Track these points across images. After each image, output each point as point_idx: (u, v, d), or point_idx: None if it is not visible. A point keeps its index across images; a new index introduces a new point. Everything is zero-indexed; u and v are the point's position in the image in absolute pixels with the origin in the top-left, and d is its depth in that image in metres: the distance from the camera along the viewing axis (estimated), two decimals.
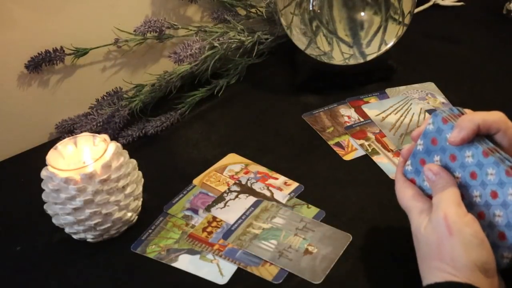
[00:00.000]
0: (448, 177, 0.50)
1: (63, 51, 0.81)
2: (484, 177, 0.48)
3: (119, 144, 0.63)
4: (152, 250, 0.63)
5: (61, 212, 0.61)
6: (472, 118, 0.49)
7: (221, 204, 0.68)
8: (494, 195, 0.47)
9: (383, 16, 0.80)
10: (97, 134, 0.64)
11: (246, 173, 0.73)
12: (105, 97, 0.83)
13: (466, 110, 0.53)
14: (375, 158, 0.73)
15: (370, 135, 0.77)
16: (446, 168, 0.51)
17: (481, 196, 0.48)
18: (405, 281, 0.56)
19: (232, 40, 0.89)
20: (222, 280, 0.58)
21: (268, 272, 0.59)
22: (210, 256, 0.61)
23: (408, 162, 0.55)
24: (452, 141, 0.49)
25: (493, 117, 0.49)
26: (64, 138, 0.66)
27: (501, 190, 0.46)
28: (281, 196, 0.68)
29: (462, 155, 0.49)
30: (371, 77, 0.88)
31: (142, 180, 0.67)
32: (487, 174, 0.47)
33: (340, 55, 0.83)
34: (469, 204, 0.49)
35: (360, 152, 0.75)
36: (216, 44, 0.86)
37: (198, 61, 0.84)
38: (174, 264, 0.61)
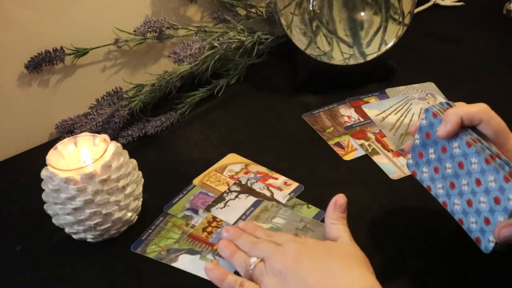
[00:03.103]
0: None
1: (63, 51, 0.81)
2: (469, 166, 0.51)
3: (119, 144, 0.63)
4: (152, 250, 0.63)
5: (61, 212, 0.61)
6: (455, 111, 0.52)
7: (221, 204, 0.68)
8: (478, 182, 0.50)
9: (383, 16, 0.80)
10: (97, 134, 0.64)
11: (246, 173, 0.73)
12: (105, 97, 0.83)
13: (456, 103, 0.55)
14: (375, 158, 0.73)
15: (370, 135, 0.77)
16: (439, 159, 0.55)
17: (468, 184, 0.51)
18: (406, 281, 0.57)
19: (232, 40, 0.89)
20: None
21: None
22: (210, 256, 0.61)
23: (409, 156, 0.59)
24: (439, 134, 0.53)
25: (475, 109, 0.52)
26: (64, 138, 0.66)
27: (483, 177, 0.50)
28: (281, 196, 0.68)
29: (451, 147, 0.53)
30: (371, 77, 0.88)
31: (142, 180, 0.67)
32: (471, 163, 0.51)
33: (340, 55, 0.83)
34: (459, 192, 0.52)
35: (360, 152, 0.75)
36: (216, 44, 0.86)
37: (198, 61, 0.84)
38: (174, 264, 0.61)
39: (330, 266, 0.51)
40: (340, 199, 0.58)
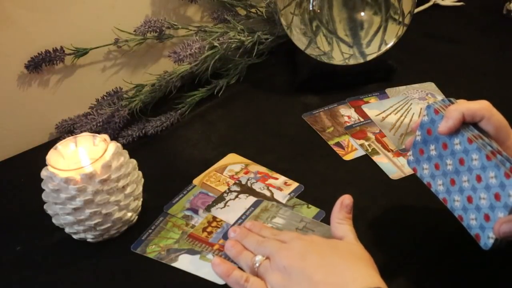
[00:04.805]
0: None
1: (63, 51, 0.81)
2: (470, 163, 0.51)
3: (119, 144, 0.63)
4: (152, 250, 0.63)
5: (61, 212, 0.61)
6: (457, 108, 0.52)
7: (221, 204, 0.68)
8: (479, 179, 0.50)
9: (383, 16, 0.80)
10: (97, 134, 0.64)
11: (246, 173, 0.73)
12: (105, 97, 0.83)
13: (458, 100, 0.55)
14: (375, 158, 0.73)
15: (370, 135, 0.77)
16: (440, 156, 0.55)
17: (469, 181, 0.52)
18: (406, 281, 0.57)
19: (232, 40, 0.89)
20: (222, 280, 0.58)
21: None
22: (210, 256, 0.61)
23: (410, 153, 0.59)
24: (440, 130, 0.53)
25: (477, 106, 0.52)
26: (64, 138, 0.66)
27: (483, 174, 0.50)
28: (281, 196, 0.68)
29: (452, 143, 0.53)
30: (371, 77, 0.88)
31: (142, 180, 0.67)
32: (472, 159, 0.51)
33: (340, 55, 0.83)
34: (460, 189, 0.53)
35: (360, 152, 0.75)
36: (216, 44, 0.86)
37: (198, 61, 0.84)
38: (174, 264, 0.61)
39: (335, 262, 0.51)
40: (346, 199, 0.58)
